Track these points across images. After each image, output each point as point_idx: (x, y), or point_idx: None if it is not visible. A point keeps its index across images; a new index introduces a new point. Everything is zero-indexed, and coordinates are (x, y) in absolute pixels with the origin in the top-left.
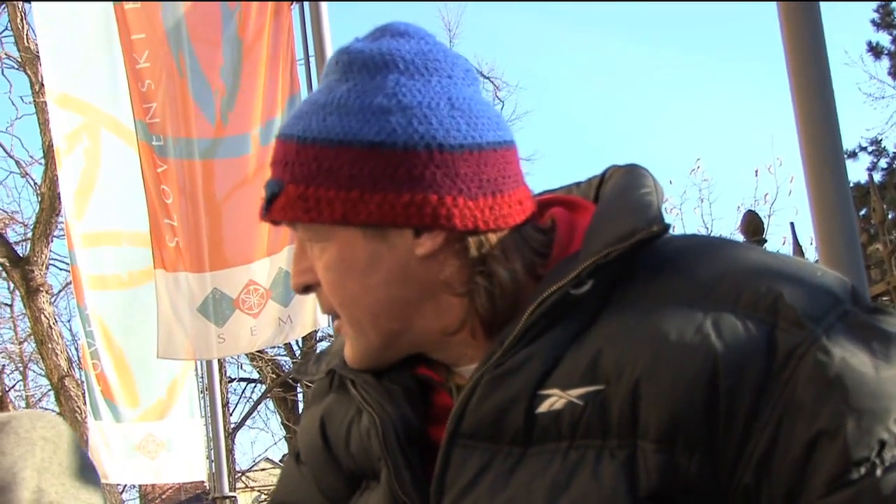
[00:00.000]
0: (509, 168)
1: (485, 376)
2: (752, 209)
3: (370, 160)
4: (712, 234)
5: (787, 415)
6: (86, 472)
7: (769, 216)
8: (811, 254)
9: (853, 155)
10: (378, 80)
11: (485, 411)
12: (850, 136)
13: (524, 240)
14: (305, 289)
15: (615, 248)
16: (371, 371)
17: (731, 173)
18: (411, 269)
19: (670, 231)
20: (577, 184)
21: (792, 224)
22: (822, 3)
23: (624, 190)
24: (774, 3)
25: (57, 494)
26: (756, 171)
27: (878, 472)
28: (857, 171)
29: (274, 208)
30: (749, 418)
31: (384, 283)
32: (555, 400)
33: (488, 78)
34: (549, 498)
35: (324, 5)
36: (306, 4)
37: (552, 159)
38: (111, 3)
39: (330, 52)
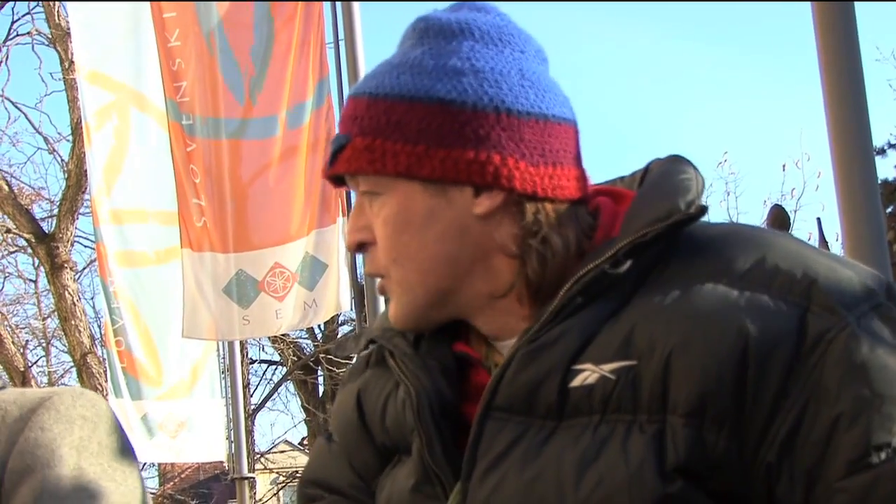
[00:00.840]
0: (570, 144)
1: (521, 350)
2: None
3: (439, 116)
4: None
5: (813, 397)
6: (124, 452)
7: (795, 211)
8: (837, 250)
9: (882, 152)
10: (453, 45)
11: (519, 384)
12: (880, 133)
13: (577, 216)
14: (360, 246)
15: (652, 228)
16: (413, 335)
17: (758, 167)
18: (467, 228)
19: (707, 216)
20: (622, 178)
21: (818, 219)
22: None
23: (663, 175)
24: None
25: (95, 475)
26: (783, 166)
27: None
28: (885, 168)
29: (339, 160)
30: (776, 398)
31: (439, 239)
32: (588, 374)
33: None
34: (578, 470)
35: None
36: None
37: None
38: None
39: (360, 35)
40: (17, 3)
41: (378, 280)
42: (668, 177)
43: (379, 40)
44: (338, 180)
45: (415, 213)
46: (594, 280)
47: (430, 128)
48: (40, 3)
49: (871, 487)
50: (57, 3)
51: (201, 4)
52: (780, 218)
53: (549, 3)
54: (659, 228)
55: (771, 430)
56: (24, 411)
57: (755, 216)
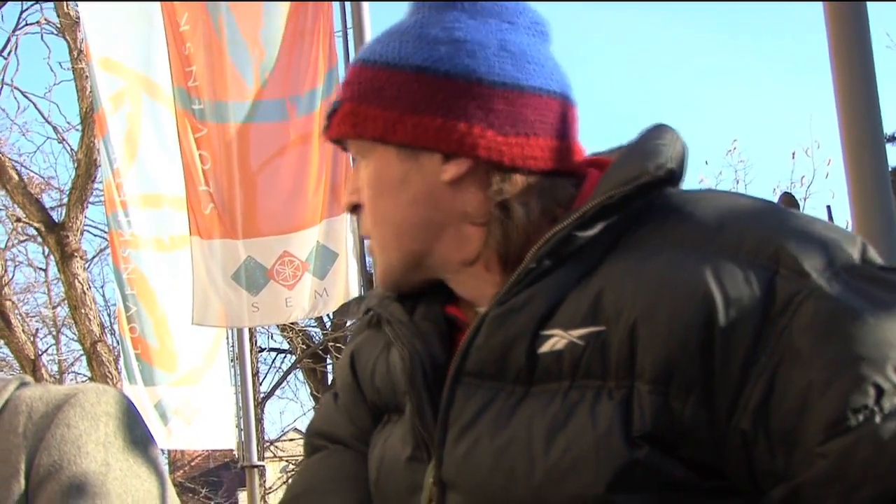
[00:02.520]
0: (552, 116)
1: (489, 314)
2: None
3: (414, 83)
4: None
5: (785, 361)
6: (148, 448)
7: (805, 199)
8: None
9: (892, 139)
10: (441, 16)
11: (488, 349)
12: (891, 120)
13: (550, 187)
14: (353, 208)
15: (618, 190)
16: (401, 296)
17: (767, 155)
18: (437, 193)
19: (680, 181)
20: (621, 147)
21: (828, 207)
22: None
23: (640, 141)
24: None
25: (122, 471)
26: (793, 154)
27: (877, 419)
28: None
29: (332, 125)
30: (746, 364)
31: (411, 202)
32: (556, 340)
33: None
34: (547, 436)
35: None
36: None
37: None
38: None
39: (368, 25)
40: None
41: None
42: (643, 142)
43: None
44: (340, 143)
45: (390, 178)
46: (561, 242)
47: (405, 94)
48: None
49: (852, 451)
50: None
51: None
52: (789, 205)
53: None
54: (625, 190)
55: (742, 397)
56: (49, 408)
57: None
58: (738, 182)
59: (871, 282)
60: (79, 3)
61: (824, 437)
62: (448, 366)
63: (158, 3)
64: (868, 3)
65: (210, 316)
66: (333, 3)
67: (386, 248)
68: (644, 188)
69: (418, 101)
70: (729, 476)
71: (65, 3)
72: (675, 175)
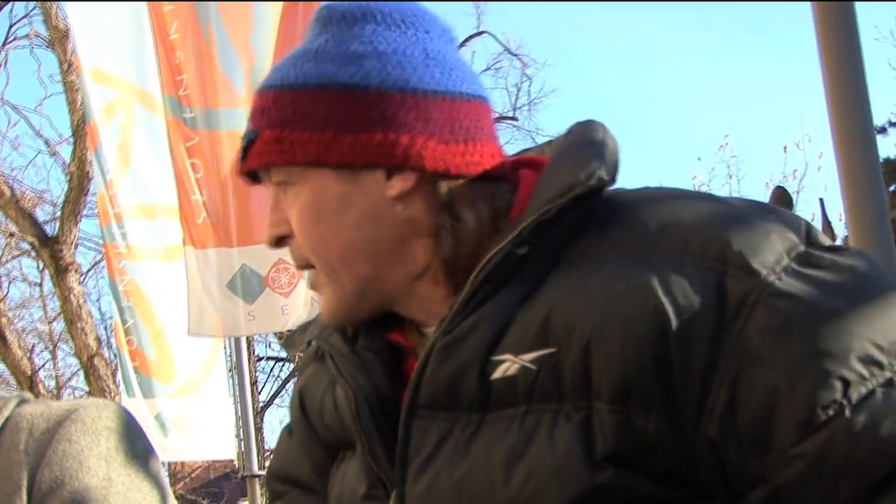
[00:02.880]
0: (483, 121)
1: (437, 344)
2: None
3: (344, 101)
4: (663, 186)
5: (746, 364)
6: (150, 461)
7: (798, 192)
8: (840, 230)
9: (883, 131)
10: (356, 30)
11: (440, 380)
12: (881, 112)
13: (492, 193)
14: (278, 241)
15: (553, 205)
16: (346, 327)
17: (759, 150)
18: (382, 211)
19: (612, 184)
20: (550, 142)
21: (821, 200)
22: None
23: (570, 146)
24: None
25: (123, 486)
26: (785, 148)
27: (847, 412)
28: (887, 147)
29: (250, 156)
30: (706, 371)
31: (355, 224)
32: (508, 365)
33: (516, 55)
34: (507, 466)
35: None
36: None
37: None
38: None
39: None
40: (15, 4)
41: (308, 273)
42: (572, 146)
43: None
44: (252, 176)
45: (328, 201)
46: (501, 263)
47: (336, 114)
48: (38, 5)
49: (827, 448)
50: (55, 4)
51: None
52: (782, 200)
53: None
54: (559, 204)
55: (707, 406)
56: (50, 424)
57: (758, 198)
58: (730, 177)
59: (821, 268)
60: (69, 15)
61: (797, 438)
62: (395, 397)
63: (148, 14)
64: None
65: (206, 326)
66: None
67: (336, 278)
68: (578, 199)
69: (353, 118)
70: (703, 483)
71: (54, 15)
72: (608, 181)
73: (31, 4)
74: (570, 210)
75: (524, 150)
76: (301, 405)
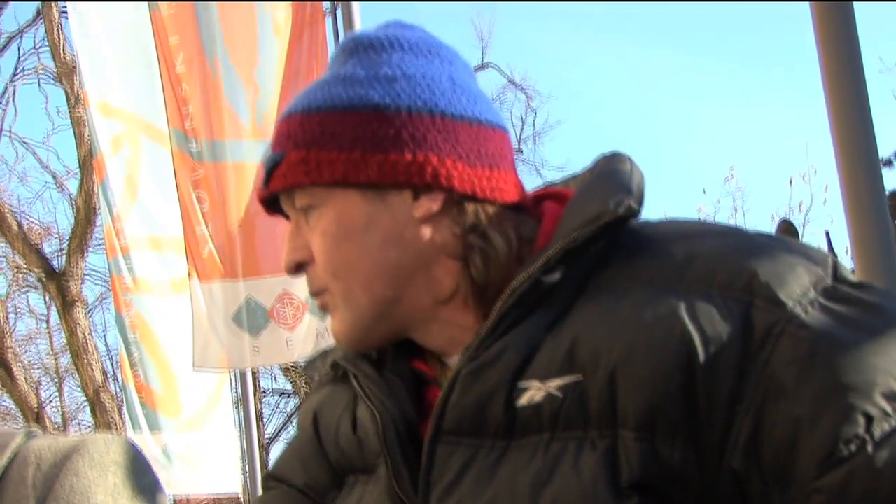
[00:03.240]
0: (505, 151)
1: (462, 370)
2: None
3: (373, 121)
4: (688, 218)
5: (770, 396)
6: (156, 497)
7: (804, 225)
8: (847, 263)
9: (889, 163)
10: (384, 57)
11: (465, 406)
12: (886, 144)
13: (517, 221)
14: (297, 267)
15: (580, 232)
16: (377, 355)
17: (765, 182)
18: (408, 232)
19: (640, 215)
20: (574, 176)
21: (827, 233)
22: (857, 11)
23: (597, 176)
24: (809, 10)
25: None
26: (790, 180)
27: (869, 448)
28: (893, 179)
29: (274, 178)
30: (731, 401)
31: (381, 245)
32: (534, 392)
33: (520, 87)
34: (532, 493)
35: (357, 19)
36: (339, 20)
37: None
38: (147, 9)
39: None
40: (23, 39)
41: (319, 298)
42: (601, 177)
43: None
44: (271, 205)
45: (354, 222)
46: (528, 290)
47: (366, 134)
48: (46, 40)
49: (847, 483)
50: (63, 39)
51: (205, 27)
52: (788, 232)
53: (553, 18)
54: (588, 232)
55: (731, 435)
56: (58, 458)
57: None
58: (736, 210)
59: (847, 303)
60: (76, 49)
61: (818, 472)
62: (419, 424)
63: (155, 46)
64: (860, 28)
65: (211, 359)
66: (328, 45)
67: (352, 300)
68: (607, 227)
69: (381, 138)
70: None
71: (62, 50)
72: (637, 210)
73: (40, 39)
74: (598, 238)
75: (548, 184)
76: (314, 424)
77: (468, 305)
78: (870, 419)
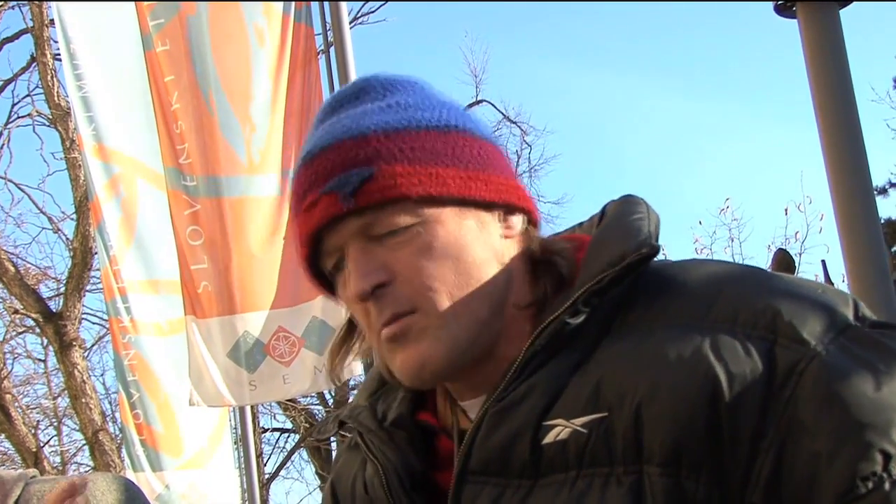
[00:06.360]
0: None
1: (489, 411)
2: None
3: (470, 144)
4: (712, 258)
5: (791, 433)
6: None
7: (800, 254)
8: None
9: (883, 191)
10: (434, 92)
11: (491, 446)
12: (880, 173)
13: (560, 247)
14: (376, 288)
15: (606, 273)
16: (382, 411)
17: (760, 212)
18: (498, 251)
19: (661, 254)
20: (580, 224)
21: (823, 262)
22: (847, 40)
23: (615, 218)
24: (800, 40)
25: None
26: (786, 210)
27: (886, 485)
28: (888, 208)
29: (366, 191)
30: (754, 438)
31: (478, 263)
32: (560, 430)
33: (515, 122)
34: None
35: (350, 56)
36: (333, 57)
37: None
38: (142, 51)
39: None
40: (17, 84)
41: (397, 323)
42: (620, 219)
43: None
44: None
45: (452, 239)
46: (555, 332)
47: (465, 154)
48: (39, 85)
49: None
50: (57, 83)
51: (199, 65)
52: (784, 262)
53: (547, 53)
54: (612, 273)
55: (753, 472)
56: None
57: (760, 261)
58: (732, 240)
59: (868, 343)
60: (69, 94)
61: None
62: (426, 474)
63: (149, 84)
64: (851, 58)
65: (207, 396)
66: (323, 84)
67: (448, 319)
68: (630, 268)
69: (481, 160)
70: None
71: (55, 94)
72: (657, 251)
73: (34, 84)
74: (622, 279)
75: (555, 234)
76: (333, 496)
77: (525, 328)
78: (888, 457)
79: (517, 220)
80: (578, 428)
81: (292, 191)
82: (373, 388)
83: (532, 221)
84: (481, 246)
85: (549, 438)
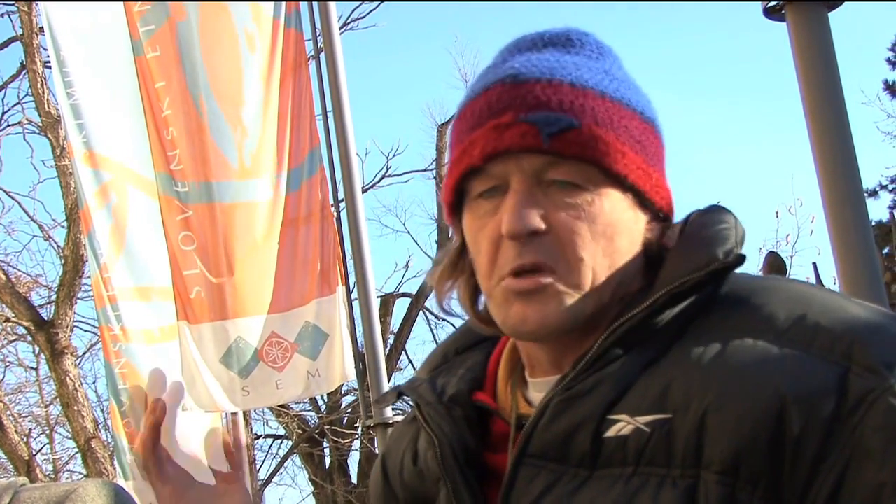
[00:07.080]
0: None
1: (555, 398)
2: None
3: (650, 135)
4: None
5: (855, 459)
6: None
7: (791, 257)
8: None
9: (873, 193)
10: (615, 59)
11: (553, 432)
12: (870, 175)
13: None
14: (532, 233)
15: (690, 277)
16: (441, 386)
17: (751, 215)
18: (638, 247)
19: (745, 265)
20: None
21: (814, 264)
22: (837, 44)
23: (702, 226)
24: (789, 43)
25: None
26: (777, 212)
27: None
28: (877, 210)
29: (566, 139)
30: (816, 460)
31: (622, 252)
32: (623, 425)
33: None
34: None
35: (341, 61)
36: (324, 61)
37: None
38: (132, 58)
39: (348, 108)
40: (7, 91)
41: (533, 278)
42: (706, 227)
43: (366, 112)
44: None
45: (617, 219)
46: (630, 330)
47: (645, 143)
48: (30, 93)
49: None
50: (47, 91)
51: (189, 70)
52: (775, 265)
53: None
54: (696, 277)
55: (811, 493)
56: None
57: (751, 264)
58: None
59: None
60: (59, 101)
61: None
62: (480, 453)
63: (140, 91)
64: (840, 61)
65: (199, 401)
66: (313, 88)
67: (582, 291)
68: (713, 275)
69: (659, 160)
70: None
71: (46, 102)
72: (743, 260)
73: (24, 92)
74: (705, 284)
75: None
76: (383, 470)
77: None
78: None
79: (658, 227)
80: (641, 426)
81: (483, 100)
82: (436, 364)
83: (663, 217)
84: (629, 238)
85: (611, 433)
